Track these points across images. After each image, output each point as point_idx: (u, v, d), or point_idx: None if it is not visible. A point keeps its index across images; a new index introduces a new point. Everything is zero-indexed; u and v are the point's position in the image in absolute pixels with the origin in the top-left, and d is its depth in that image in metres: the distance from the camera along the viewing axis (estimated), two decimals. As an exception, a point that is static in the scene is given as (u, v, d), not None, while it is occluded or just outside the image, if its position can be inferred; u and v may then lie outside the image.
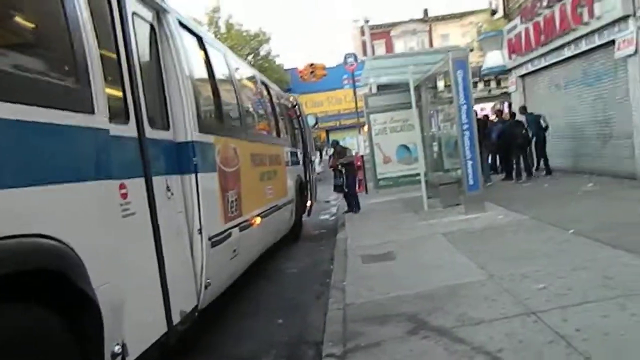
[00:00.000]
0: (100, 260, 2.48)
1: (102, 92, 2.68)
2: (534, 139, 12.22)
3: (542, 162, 12.48)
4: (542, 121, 12.03)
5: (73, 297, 2.21)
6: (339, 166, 10.53)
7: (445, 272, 5.08)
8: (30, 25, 2.45)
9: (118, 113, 3.08)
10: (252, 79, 7.41)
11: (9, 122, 1.98)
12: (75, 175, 2.37)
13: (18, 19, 2.37)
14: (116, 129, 2.90)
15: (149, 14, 3.85)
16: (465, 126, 8.32)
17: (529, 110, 12.89)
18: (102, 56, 2.80)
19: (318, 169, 20.25)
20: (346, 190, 10.65)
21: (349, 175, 10.60)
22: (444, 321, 3.75)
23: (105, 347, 2.41)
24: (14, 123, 2.01)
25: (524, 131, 11.90)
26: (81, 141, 2.47)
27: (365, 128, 13.39)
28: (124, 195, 2.93)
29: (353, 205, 10.57)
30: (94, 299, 2.29)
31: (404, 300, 4.40)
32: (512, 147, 12.09)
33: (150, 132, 3.40)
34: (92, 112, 2.56)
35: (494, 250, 5.65)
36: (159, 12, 4.01)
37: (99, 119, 2.61)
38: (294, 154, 9.00)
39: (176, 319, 3.38)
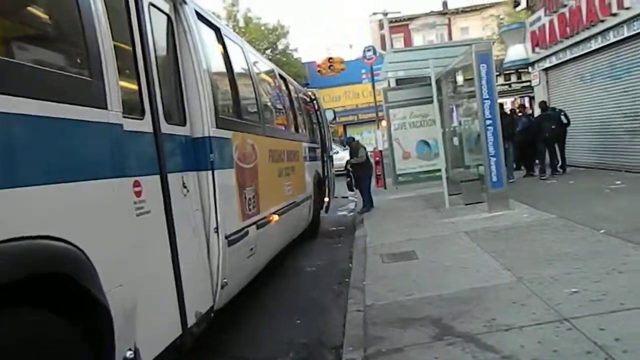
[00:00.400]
0: (113, 262, 2.36)
1: (115, 85, 2.55)
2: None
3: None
4: (562, 117, 11.67)
5: (83, 301, 2.09)
6: (348, 166, 10.31)
7: (470, 274, 4.88)
8: (40, 15, 2.33)
9: (133, 107, 2.96)
10: (270, 73, 7.26)
11: (15, 117, 1.86)
12: (86, 173, 2.25)
13: (27, 8, 2.25)
14: (130, 124, 2.78)
15: (165, 5, 3.72)
16: (489, 122, 8.06)
17: (551, 105, 12.54)
18: (116, 48, 2.68)
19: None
20: (355, 189, 10.38)
21: (360, 175, 10.33)
22: (471, 326, 3.57)
23: (117, 353, 2.30)
24: (20, 118, 1.89)
25: (553, 126, 11.52)
26: (93, 137, 2.34)
27: (384, 123, 13.16)
28: (138, 194, 2.81)
29: (365, 203, 10.35)
30: (105, 303, 2.18)
31: (427, 303, 4.23)
32: (538, 141, 11.76)
33: (166, 127, 3.28)
34: (105, 106, 2.44)
35: (521, 251, 5.43)
36: (176, 3, 3.88)
37: (112, 114, 2.49)
38: (312, 150, 8.85)
39: (191, 320, 3.27)
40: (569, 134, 11.79)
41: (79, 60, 2.37)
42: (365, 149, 10.50)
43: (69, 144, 2.15)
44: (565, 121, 11.56)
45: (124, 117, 2.65)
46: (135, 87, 3.04)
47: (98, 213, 2.32)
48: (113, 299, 2.29)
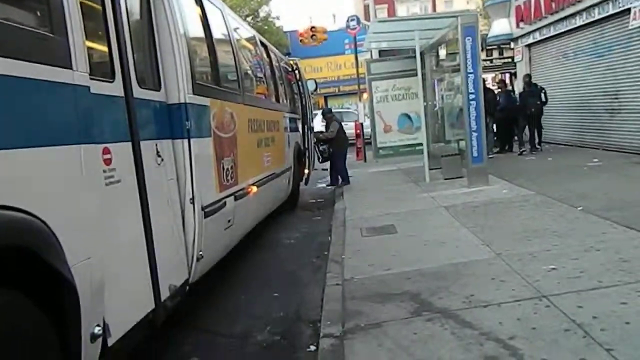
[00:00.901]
0: (79, 234, 2.22)
1: (81, 44, 2.35)
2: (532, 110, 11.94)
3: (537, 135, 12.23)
4: (542, 95, 11.71)
5: (45, 276, 1.95)
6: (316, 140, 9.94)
7: (449, 249, 4.87)
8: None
9: (102, 69, 2.76)
10: (251, 39, 7.01)
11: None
12: (47, 138, 2.07)
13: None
14: (99, 87, 2.59)
15: (139, -38, 3.47)
16: (472, 96, 7.99)
17: (533, 81, 12.53)
18: (84, 4, 2.47)
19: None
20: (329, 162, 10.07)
21: (333, 151, 9.89)
22: (449, 302, 3.55)
23: (83, 329, 2.18)
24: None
25: (538, 102, 11.55)
26: (55, 99, 2.16)
27: (366, 95, 13.00)
28: (108, 161, 2.65)
29: (335, 178, 10.08)
30: (69, 278, 2.04)
31: (406, 278, 4.20)
32: (520, 117, 11.79)
33: (138, 92, 3.09)
34: (70, 66, 2.24)
35: (500, 227, 5.44)
36: (152, -39, 3.62)
37: (77, 75, 2.29)
38: (292, 120, 8.68)
39: (165, 294, 3.15)
40: (548, 111, 11.88)
41: (38, 13, 2.16)
42: (339, 122, 10.00)
43: (27, 105, 1.97)
44: (543, 99, 11.62)
45: (92, 79, 2.46)
46: (105, 47, 2.83)
47: (62, 181, 2.16)
48: (79, 273, 2.15)
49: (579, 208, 5.78)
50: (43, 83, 2.06)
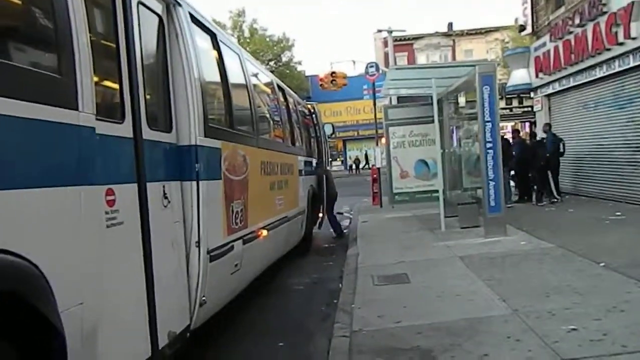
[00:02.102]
0: (72, 278, 2.15)
1: (89, 85, 2.36)
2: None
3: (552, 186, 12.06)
4: (561, 145, 11.63)
5: (31, 321, 1.87)
6: None
7: (463, 302, 4.66)
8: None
9: (112, 110, 2.77)
10: (268, 83, 7.10)
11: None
12: (45, 178, 2.04)
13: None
14: (107, 128, 2.59)
15: (158, 5, 3.56)
16: (489, 145, 7.90)
17: (552, 131, 12.44)
18: (95, 45, 2.50)
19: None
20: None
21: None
22: (462, 362, 3.35)
23: (70, 380, 2.07)
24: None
25: (547, 154, 11.49)
26: (56, 140, 2.14)
27: (383, 140, 13.00)
28: (111, 203, 2.61)
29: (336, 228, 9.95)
30: (57, 324, 1.95)
31: (418, 332, 4.00)
32: (531, 168, 11.65)
33: (148, 133, 3.09)
34: (75, 107, 2.24)
35: (517, 281, 5.21)
36: (169, 5, 3.71)
37: (83, 116, 2.29)
38: (308, 163, 8.66)
39: (163, 341, 3.04)
40: (568, 161, 11.75)
41: (46, 55, 2.18)
42: (324, 173, 9.69)
43: (26, 146, 1.95)
44: (562, 150, 11.55)
45: (99, 119, 2.46)
46: (116, 88, 2.85)
47: (58, 223, 2.11)
48: (70, 319, 2.08)
49: (601, 264, 5.53)
50: (45, 124, 2.05)
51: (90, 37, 2.40)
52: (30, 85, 2.00)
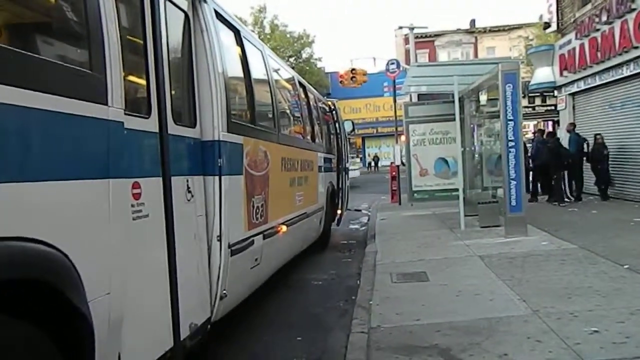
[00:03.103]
0: (100, 268, 2.21)
1: (119, 81, 2.41)
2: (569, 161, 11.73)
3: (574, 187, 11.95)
4: (585, 145, 11.48)
5: (61, 309, 1.93)
6: None
7: (482, 302, 4.64)
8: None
9: (138, 105, 2.83)
10: (289, 79, 7.14)
11: (2, 107, 1.71)
12: (76, 171, 2.10)
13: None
14: (133, 122, 2.64)
15: (183, 2, 3.60)
16: (511, 144, 7.81)
17: (577, 130, 12.26)
18: (124, 41, 2.56)
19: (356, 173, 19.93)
20: None
21: None
22: (481, 361, 3.34)
23: (97, 367, 2.13)
24: (8, 108, 1.74)
25: (571, 152, 11.40)
26: (88, 134, 2.20)
27: (403, 138, 12.95)
28: (137, 196, 2.67)
29: None
30: (86, 313, 2.01)
31: (436, 330, 4.00)
32: (555, 167, 11.50)
33: (173, 128, 3.14)
34: (105, 102, 2.29)
35: (538, 281, 5.16)
36: (195, 1, 3.76)
37: (112, 111, 2.34)
38: (327, 160, 8.68)
39: (185, 333, 3.09)
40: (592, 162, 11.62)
41: (78, 51, 2.24)
42: None
43: (58, 139, 2.00)
44: (586, 150, 11.41)
45: (127, 114, 2.51)
46: (143, 84, 2.90)
47: (88, 214, 2.17)
48: (97, 308, 2.13)
49: (625, 266, 5.44)
50: (78, 118, 2.10)
51: (119, 33, 2.45)
52: (64, 81, 2.05)
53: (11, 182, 1.75)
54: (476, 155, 10.79)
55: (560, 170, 11.53)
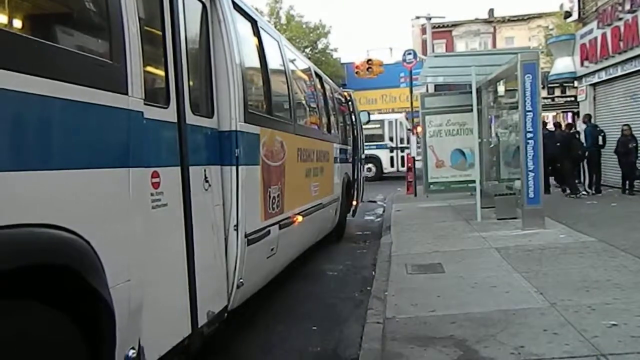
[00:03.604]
0: (121, 256, 2.25)
1: (138, 71, 2.44)
2: (586, 153, 11.52)
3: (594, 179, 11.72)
4: (600, 138, 11.28)
5: (84, 295, 1.98)
6: None
7: (499, 294, 4.62)
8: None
9: (157, 95, 2.86)
10: (306, 70, 7.12)
11: (24, 96, 1.75)
12: (98, 160, 2.14)
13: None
14: (153, 112, 2.67)
15: (201, -7, 3.61)
16: (530, 135, 7.70)
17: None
18: (143, 32, 2.58)
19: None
20: None
21: None
22: (497, 352, 3.33)
23: (117, 351, 2.18)
24: (30, 97, 1.78)
25: (584, 144, 11.29)
26: (108, 123, 2.23)
27: (419, 129, 12.87)
28: (156, 185, 2.70)
29: None
30: (108, 300, 2.06)
31: (451, 322, 4.00)
32: (562, 159, 11.34)
33: (191, 118, 3.16)
34: (126, 92, 2.32)
35: (555, 274, 5.11)
36: (213, -8, 3.76)
37: (133, 100, 2.37)
38: (343, 151, 8.67)
39: (202, 320, 3.14)
40: (612, 154, 11.41)
41: (100, 41, 2.26)
42: None
43: (80, 128, 2.04)
44: (601, 142, 11.23)
45: (147, 104, 2.54)
46: (162, 74, 2.93)
47: (109, 203, 2.21)
48: (118, 295, 2.17)
49: (645, 260, 5.37)
50: (99, 107, 2.14)
51: (139, 25, 2.47)
52: (87, 71, 2.09)
53: (35, 170, 1.79)
54: (493, 146, 10.69)
55: (569, 162, 11.35)
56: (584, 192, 11.58)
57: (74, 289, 1.95)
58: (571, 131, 12.07)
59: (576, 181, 11.88)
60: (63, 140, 1.95)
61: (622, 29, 11.62)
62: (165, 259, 2.78)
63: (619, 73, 12.22)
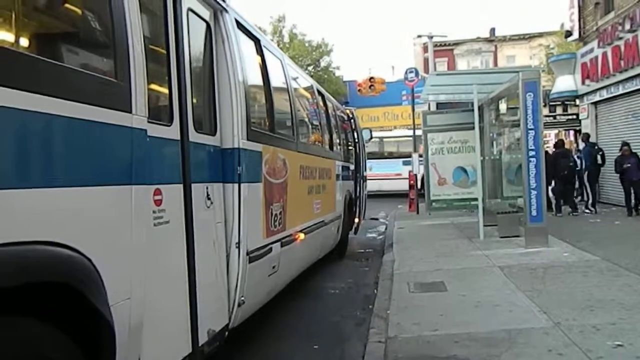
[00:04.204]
0: (122, 273, 2.25)
1: (142, 89, 2.46)
2: (585, 172, 11.50)
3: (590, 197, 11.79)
4: (599, 156, 11.30)
5: (84, 313, 1.97)
6: None
7: (502, 313, 4.57)
8: (66, 10, 2.26)
9: (161, 113, 2.88)
10: (308, 88, 7.18)
11: (27, 114, 1.76)
12: (100, 177, 2.14)
13: (54, 2, 2.19)
14: (156, 130, 2.69)
15: (205, 12, 3.66)
16: (532, 153, 7.71)
17: (598, 140, 12.12)
18: (148, 51, 2.61)
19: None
20: None
21: None
22: (500, 373, 3.29)
23: (117, 370, 2.16)
24: (33, 115, 1.79)
25: (570, 163, 11.29)
26: (112, 141, 2.24)
27: (421, 147, 12.90)
28: (158, 202, 2.70)
29: None
30: (108, 318, 2.05)
31: (454, 341, 3.95)
32: (554, 179, 11.38)
33: (194, 136, 3.18)
34: (129, 110, 2.34)
35: (559, 293, 5.07)
36: (217, 11, 3.82)
37: (136, 118, 2.39)
38: (345, 169, 8.68)
39: (203, 339, 3.12)
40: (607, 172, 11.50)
41: (104, 60, 2.29)
42: None
43: (82, 146, 2.05)
44: (600, 161, 11.27)
45: (150, 122, 2.56)
46: (165, 92, 2.96)
47: (111, 220, 2.21)
48: (119, 313, 2.16)
49: (650, 279, 5.33)
50: (102, 125, 2.15)
51: (144, 43, 2.51)
52: (91, 89, 2.11)
53: (38, 187, 1.80)
54: (495, 165, 10.69)
55: (558, 181, 11.38)
56: (586, 211, 11.54)
57: (74, 307, 1.94)
58: (558, 150, 12.07)
59: (577, 199, 11.87)
60: (65, 157, 1.96)
61: (622, 48, 11.71)
62: (166, 276, 2.77)
63: (620, 91, 12.28)
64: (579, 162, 11.74)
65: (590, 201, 11.79)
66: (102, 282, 2.06)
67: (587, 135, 12.58)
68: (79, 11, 2.33)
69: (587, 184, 11.81)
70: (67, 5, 2.31)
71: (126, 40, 2.33)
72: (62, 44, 2.18)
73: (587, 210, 11.62)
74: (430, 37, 23.60)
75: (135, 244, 2.36)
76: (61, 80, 1.94)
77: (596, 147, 11.73)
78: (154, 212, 2.65)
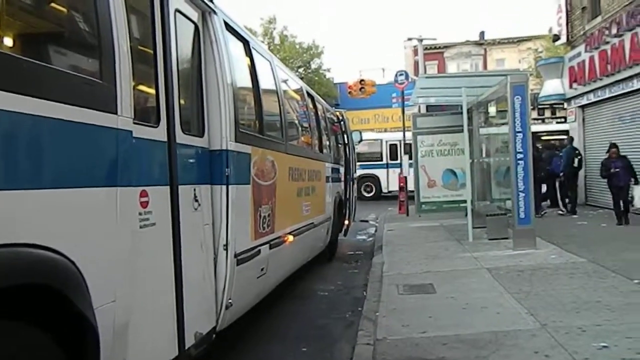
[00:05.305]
0: (107, 276, 2.22)
1: (128, 90, 2.44)
2: (561, 173, 12.03)
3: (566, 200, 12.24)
4: (575, 159, 11.55)
5: (67, 315, 1.94)
6: None
7: (490, 315, 4.59)
8: (51, 10, 2.24)
9: (147, 114, 2.86)
10: (298, 90, 7.17)
11: (13, 116, 1.74)
12: (84, 179, 2.12)
13: (39, 3, 2.17)
14: (142, 131, 2.67)
15: (194, 13, 3.65)
16: (520, 156, 7.77)
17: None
18: (134, 52, 2.59)
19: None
20: None
21: None
22: (487, 375, 3.30)
23: (101, 374, 2.13)
24: (19, 117, 1.77)
25: (548, 167, 11.86)
26: (97, 142, 2.22)
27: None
28: (145, 204, 2.68)
29: None
30: (91, 320, 2.02)
31: (443, 343, 3.96)
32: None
33: (181, 138, 3.16)
34: (115, 111, 2.32)
35: (546, 295, 5.10)
36: (205, 13, 3.80)
37: (122, 119, 2.37)
38: (335, 171, 8.68)
39: (190, 341, 3.09)
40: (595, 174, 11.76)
41: (89, 60, 2.27)
42: None
43: (67, 148, 2.03)
44: (576, 164, 11.55)
45: (136, 123, 2.54)
46: (152, 94, 2.93)
47: (95, 222, 2.19)
48: (104, 316, 2.14)
49: (635, 281, 5.37)
50: (87, 127, 2.13)
51: (130, 44, 2.49)
52: (75, 90, 2.08)
53: (20, 189, 1.77)
54: (484, 167, 10.75)
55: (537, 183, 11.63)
56: (559, 211, 12.15)
57: (57, 309, 1.91)
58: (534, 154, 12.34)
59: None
60: (49, 159, 1.94)
61: (609, 52, 11.84)
62: (152, 279, 2.75)
63: (607, 95, 12.41)
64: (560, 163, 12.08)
65: (565, 202, 12.18)
66: (86, 284, 2.03)
67: (571, 139, 12.94)
68: (63, 10, 2.30)
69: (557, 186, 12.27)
70: (50, 4, 2.28)
71: (111, 41, 2.31)
72: (45, 44, 2.16)
73: (561, 211, 12.16)
74: (421, 40, 23.68)
75: (120, 247, 2.34)
76: (44, 81, 1.92)
77: (576, 151, 12.06)
78: (140, 214, 2.63)
